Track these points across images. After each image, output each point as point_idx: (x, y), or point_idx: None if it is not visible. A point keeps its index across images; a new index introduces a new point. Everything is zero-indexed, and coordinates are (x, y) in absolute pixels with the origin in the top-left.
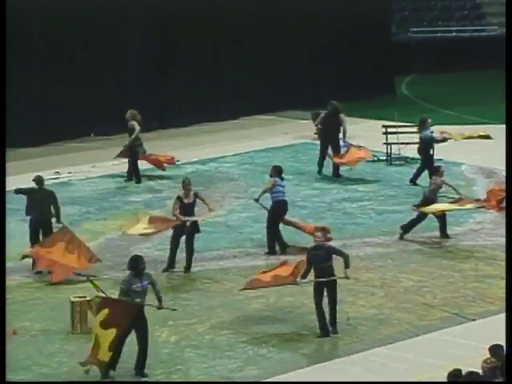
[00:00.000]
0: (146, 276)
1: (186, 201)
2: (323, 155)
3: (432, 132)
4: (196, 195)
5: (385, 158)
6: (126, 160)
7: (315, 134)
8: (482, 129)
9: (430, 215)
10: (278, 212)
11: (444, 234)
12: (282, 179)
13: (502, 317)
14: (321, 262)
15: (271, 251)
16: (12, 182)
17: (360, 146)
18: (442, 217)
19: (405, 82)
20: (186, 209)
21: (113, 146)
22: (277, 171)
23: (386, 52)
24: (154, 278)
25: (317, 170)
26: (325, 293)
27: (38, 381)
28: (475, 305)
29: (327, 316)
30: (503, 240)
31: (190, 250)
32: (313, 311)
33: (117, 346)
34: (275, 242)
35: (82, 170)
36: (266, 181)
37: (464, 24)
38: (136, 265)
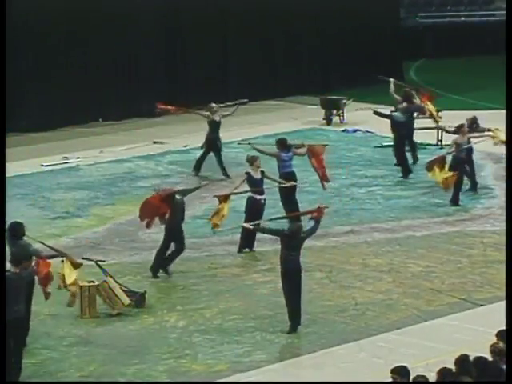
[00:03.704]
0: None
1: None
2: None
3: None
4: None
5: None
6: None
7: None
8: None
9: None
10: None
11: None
12: (288, 150)
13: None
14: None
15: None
16: (21, 167)
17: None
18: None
19: (413, 67)
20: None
21: (121, 131)
22: (280, 144)
23: (395, 37)
24: None
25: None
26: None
27: (40, 380)
28: (483, 290)
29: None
30: None
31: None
32: (321, 297)
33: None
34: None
35: (90, 155)
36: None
37: (473, 9)
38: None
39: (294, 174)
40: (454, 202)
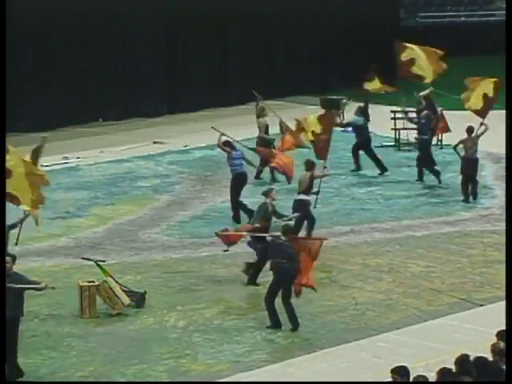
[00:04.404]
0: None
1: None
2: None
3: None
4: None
5: (393, 143)
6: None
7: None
8: None
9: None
10: (238, 184)
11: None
12: (236, 150)
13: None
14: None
15: (235, 218)
16: None
17: None
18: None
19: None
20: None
21: (121, 131)
22: (227, 144)
23: (395, 37)
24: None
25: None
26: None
27: (40, 380)
28: (483, 290)
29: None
30: None
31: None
32: (321, 297)
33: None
34: (239, 210)
35: (90, 155)
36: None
37: (473, 9)
38: None
39: (246, 175)
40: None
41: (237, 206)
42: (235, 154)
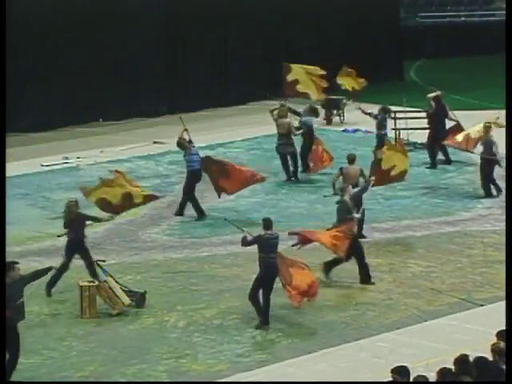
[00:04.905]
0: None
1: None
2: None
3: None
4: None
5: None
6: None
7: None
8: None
9: None
10: (193, 182)
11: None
12: (193, 145)
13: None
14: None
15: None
16: (21, 167)
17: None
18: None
19: (413, 67)
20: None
21: (121, 131)
22: (185, 141)
23: (395, 37)
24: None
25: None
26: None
27: (40, 380)
28: (483, 290)
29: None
30: None
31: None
32: (321, 297)
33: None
34: (199, 207)
35: (90, 155)
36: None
37: (473, 9)
38: None
39: (201, 172)
40: (488, 193)
41: (196, 203)
42: (193, 150)
